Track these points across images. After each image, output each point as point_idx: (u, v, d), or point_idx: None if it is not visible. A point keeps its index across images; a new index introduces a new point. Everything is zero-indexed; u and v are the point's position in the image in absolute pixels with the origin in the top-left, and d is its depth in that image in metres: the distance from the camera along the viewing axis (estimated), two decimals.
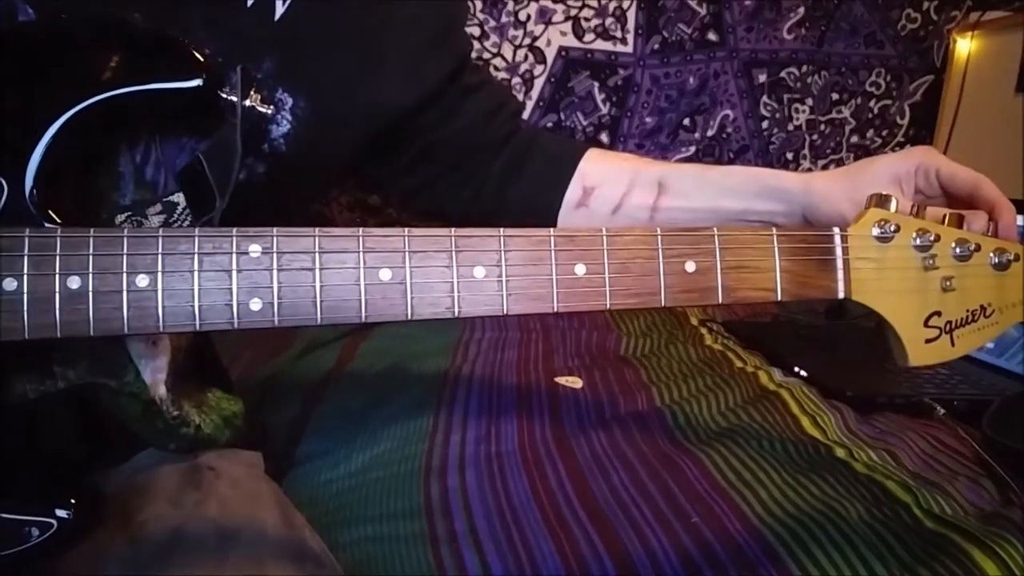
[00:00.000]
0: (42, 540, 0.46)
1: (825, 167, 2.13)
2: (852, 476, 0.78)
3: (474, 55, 1.97)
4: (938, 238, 0.52)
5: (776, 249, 0.49)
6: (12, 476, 0.49)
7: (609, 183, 0.79)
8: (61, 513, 0.47)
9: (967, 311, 0.53)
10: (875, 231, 0.51)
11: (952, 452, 0.87)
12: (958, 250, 0.52)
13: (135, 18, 0.52)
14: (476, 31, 1.95)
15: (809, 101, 2.08)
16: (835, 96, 2.09)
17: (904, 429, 0.92)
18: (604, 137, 2.04)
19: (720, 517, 0.72)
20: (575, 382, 1.10)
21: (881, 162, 0.67)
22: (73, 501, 0.48)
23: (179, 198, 0.55)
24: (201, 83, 0.48)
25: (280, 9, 0.61)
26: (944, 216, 0.53)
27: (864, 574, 0.63)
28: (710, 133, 2.06)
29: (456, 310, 0.45)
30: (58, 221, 0.45)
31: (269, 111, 0.53)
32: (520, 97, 2.00)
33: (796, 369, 1.11)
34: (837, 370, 1.10)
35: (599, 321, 1.50)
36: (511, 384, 1.10)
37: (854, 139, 2.13)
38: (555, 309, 0.46)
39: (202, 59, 0.49)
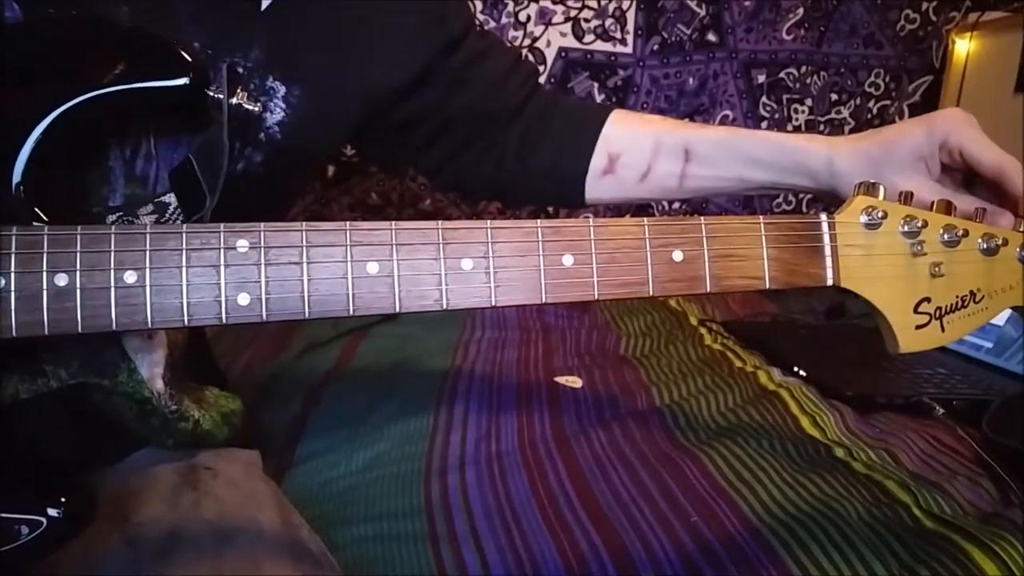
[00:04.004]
0: (32, 538, 0.46)
1: None
2: (852, 476, 0.78)
3: None
4: (926, 224, 0.51)
5: (763, 237, 0.49)
6: (2, 474, 0.49)
7: (635, 149, 0.75)
8: (52, 512, 0.47)
9: (957, 297, 0.52)
10: (863, 218, 0.51)
11: (952, 452, 0.86)
12: (946, 236, 0.52)
13: (123, 11, 0.53)
14: None
15: (808, 101, 2.08)
16: (834, 96, 2.09)
17: (904, 429, 0.92)
18: None
19: (720, 517, 0.72)
20: (575, 382, 1.10)
21: (904, 144, 0.63)
22: (64, 500, 0.47)
23: (170, 198, 0.55)
24: (187, 82, 0.49)
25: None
26: (932, 202, 0.53)
27: (864, 574, 0.63)
28: None
29: (444, 302, 0.45)
30: (46, 219, 0.45)
31: (256, 108, 0.53)
32: None
33: (796, 369, 1.11)
34: (836, 370, 1.10)
35: (599, 321, 1.49)
36: (511, 384, 1.10)
37: None
38: (543, 300, 0.46)
39: (189, 58, 0.49)
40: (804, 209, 2.15)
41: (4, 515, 0.46)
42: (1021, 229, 0.54)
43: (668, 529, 0.70)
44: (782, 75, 2.05)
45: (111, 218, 0.54)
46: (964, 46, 1.97)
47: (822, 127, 2.10)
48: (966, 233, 0.52)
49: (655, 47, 1.99)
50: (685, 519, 0.71)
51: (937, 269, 0.52)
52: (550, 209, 2.06)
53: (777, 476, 0.78)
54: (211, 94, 0.51)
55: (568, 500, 0.76)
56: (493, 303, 0.45)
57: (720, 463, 0.82)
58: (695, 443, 0.88)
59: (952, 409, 0.95)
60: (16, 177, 0.45)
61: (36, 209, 0.45)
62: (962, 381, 1.06)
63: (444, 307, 0.44)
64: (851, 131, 2.12)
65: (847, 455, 0.83)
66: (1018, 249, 0.53)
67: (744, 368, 1.14)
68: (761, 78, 2.04)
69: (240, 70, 0.56)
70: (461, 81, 0.74)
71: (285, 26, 0.62)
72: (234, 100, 0.52)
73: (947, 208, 0.53)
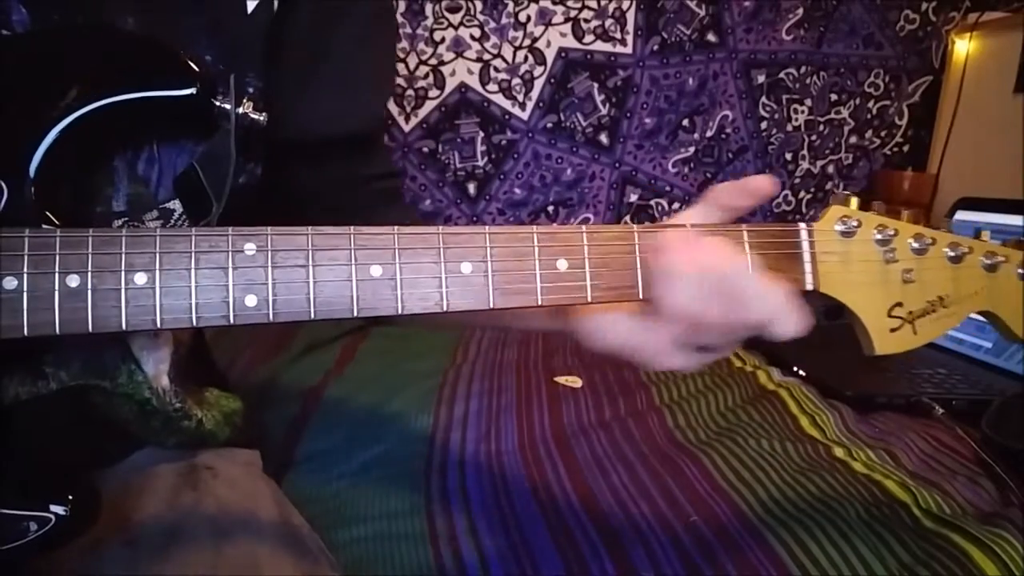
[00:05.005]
0: (40, 535, 0.47)
1: (824, 167, 2.14)
2: (851, 476, 0.78)
3: (474, 56, 1.98)
4: (897, 232, 0.54)
5: (746, 244, 0.51)
6: (9, 472, 0.49)
7: None
8: (58, 509, 0.47)
9: (927, 302, 0.55)
10: (839, 226, 0.53)
11: (951, 452, 0.87)
12: (915, 244, 0.54)
13: (128, 22, 0.53)
14: (476, 32, 1.95)
15: (808, 102, 2.08)
16: (834, 97, 2.09)
17: (903, 429, 0.92)
18: (603, 138, 2.04)
19: (719, 516, 0.72)
20: (575, 381, 1.10)
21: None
22: (71, 497, 0.48)
23: (176, 205, 0.55)
24: (195, 91, 0.49)
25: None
26: (903, 213, 0.56)
27: (863, 573, 0.63)
28: (709, 134, 2.06)
29: (444, 304, 0.46)
30: (56, 223, 0.46)
31: (262, 118, 0.54)
32: (520, 98, 2.00)
33: (795, 369, 1.11)
34: (836, 370, 1.10)
35: None
36: (511, 384, 1.10)
37: (853, 140, 2.13)
38: (539, 303, 0.48)
39: (196, 68, 0.50)
40: (804, 209, 2.15)
41: (13, 512, 0.47)
42: (983, 239, 0.56)
43: (667, 528, 0.70)
44: (782, 75, 2.05)
45: (117, 223, 0.54)
46: (964, 46, 1.97)
47: (822, 127, 2.10)
48: (934, 241, 0.54)
49: (655, 47, 1.99)
50: (684, 518, 0.72)
51: (908, 275, 0.54)
52: (549, 210, 2.07)
53: (776, 476, 0.79)
54: (218, 104, 0.51)
55: (568, 500, 0.77)
56: (491, 305, 0.47)
57: (719, 462, 0.82)
58: (694, 442, 0.89)
59: (952, 409, 0.96)
60: (29, 183, 0.45)
61: (47, 213, 0.46)
62: (962, 381, 1.07)
63: (444, 309, 0.46)
64: (851, 131, 2.12)
65: (846, 455, 0.83)
66: (981, 257, 0.56)
67: (744, 368, 1.15)
68: (761, 78, 2.04)
69: (251, 89, 0.56)
70: (353, 159, 0.74)
71: (276, 46, 0.62)
72: (240, 109, 0.52)
73: (916, 218, 0.55)
